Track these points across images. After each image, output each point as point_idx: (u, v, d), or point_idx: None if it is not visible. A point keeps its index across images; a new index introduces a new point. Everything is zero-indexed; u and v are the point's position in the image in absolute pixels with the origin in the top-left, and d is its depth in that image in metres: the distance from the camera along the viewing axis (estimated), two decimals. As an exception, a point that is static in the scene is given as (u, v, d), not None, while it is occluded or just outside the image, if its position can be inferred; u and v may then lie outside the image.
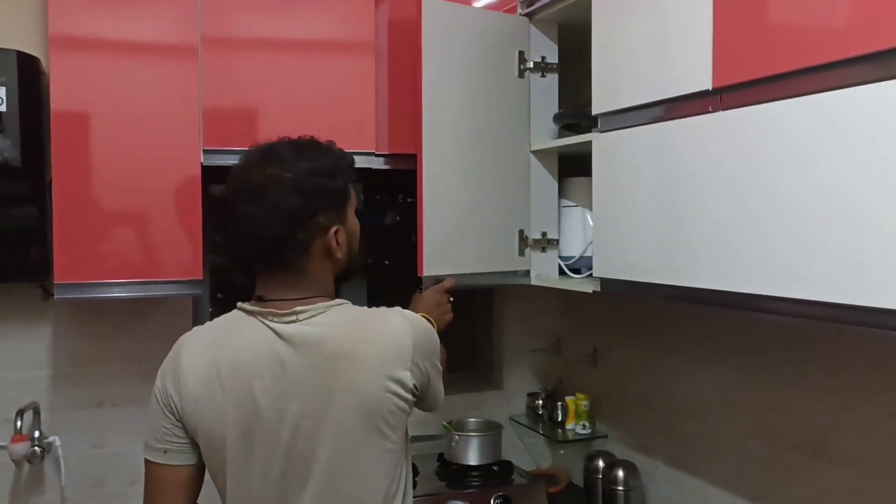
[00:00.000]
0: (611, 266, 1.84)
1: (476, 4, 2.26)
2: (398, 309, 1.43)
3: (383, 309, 1.42)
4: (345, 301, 1.40)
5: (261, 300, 1.39)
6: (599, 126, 1.87)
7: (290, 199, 1.32)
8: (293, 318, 1.34)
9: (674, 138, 1.61)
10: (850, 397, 1.68)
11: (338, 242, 1.39)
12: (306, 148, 1.39)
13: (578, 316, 2.66)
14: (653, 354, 2.29)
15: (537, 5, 2.17)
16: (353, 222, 1.46)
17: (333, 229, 1.38)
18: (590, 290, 1.92)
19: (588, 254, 2.17)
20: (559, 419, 2.58)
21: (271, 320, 1.35)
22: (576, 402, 2.54)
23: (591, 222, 2.22)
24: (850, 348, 1.68)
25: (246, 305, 1.39)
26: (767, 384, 1.88)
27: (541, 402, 2.68)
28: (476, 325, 2.87)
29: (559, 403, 2.59)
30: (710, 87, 1.50)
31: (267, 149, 1.40)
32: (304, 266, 1.37)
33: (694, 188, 1.55)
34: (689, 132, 1.56)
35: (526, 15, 2.21)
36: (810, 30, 1.32)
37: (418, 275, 1.97)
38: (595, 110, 1.86)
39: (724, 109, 1.49)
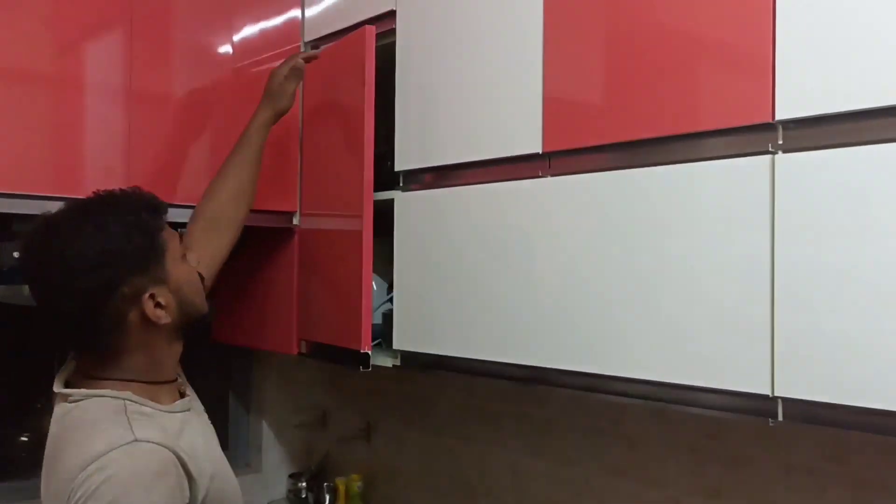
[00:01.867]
0: (414, 338, 1.67)
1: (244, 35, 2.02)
2: (123, 440, 1.10)
3: (106, 428, 1.12)
4: (122, 397, 1.18)
5: (77, 363, 1.25)
6: (402, 184, 1.71)
7: (80, 280, 1.13)
8: (63, 397, 1.19)
9: (496, 201, 1.50)
10: (652, 473, 1.66)
11: (160, 305, 1.21)
12: (91, 209, 1.19)
13: (348, 387, 2.45)
14: (436, 429, 2.15)
15: (323, 48, 1.99)
16: (179, 272, 1.25)
17: (147, 295, 1.19)
18: (389, 364, 1.73)
19: (375, 321, 1.99)
20: (327, 503, 2.33)
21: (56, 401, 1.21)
22: (347, 483, 2.31)
23: (375, 286, 2.06)
24: (651, 425, 1.66)
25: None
26: (566, 460, 1.82)
27: (304, 484, 2.41)
28: (230, 397, 2.54)
29: (326, 485, 2.34)
30: (540, 151, 1.42)
31: (47, 220, 1.18)
32: (120, 346, 1.20)
33: (518, 255, 1.45)
34: (514, 196, 1.46)
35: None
36: (645, 102, 1.28)
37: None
38: (398, 166, 1.71)
39: (553, 175, 1.41)
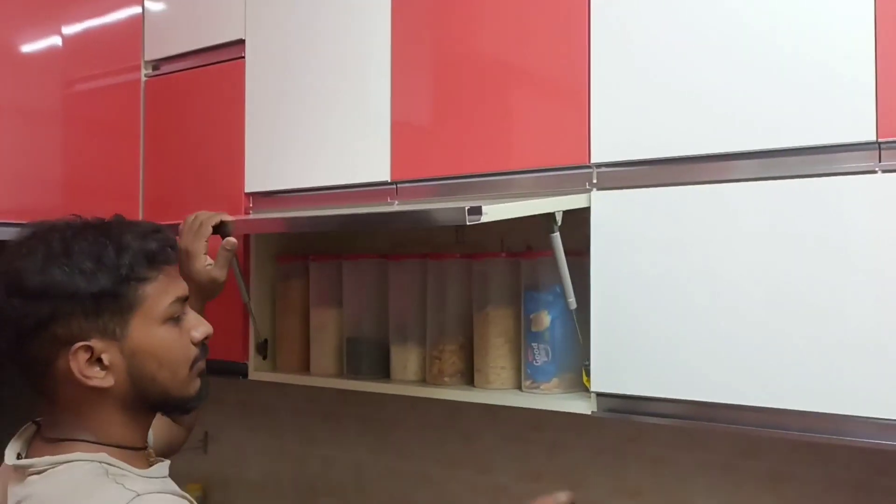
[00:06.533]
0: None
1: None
2: (122, 499, 0.95)
3: (91, 493, 0.97)
4: (97, 459, 1.00)
5: (37, 425, 1.08)
6: (252, 206, 1.81)
7: (13, 304, 0.99)
8: (21, 473, 1.01)
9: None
10: (484, 463, 1.86)
11: (101, 364, 1.01)
12: (70, 233, 1.02)
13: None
14: (278, 435, 2.24)
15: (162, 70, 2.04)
16: (148, 337, 1.03)
17: (76, 346, 0.99)
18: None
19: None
20: (164, 515, 2.35)
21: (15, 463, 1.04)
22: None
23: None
24: (483, 421, 1.86)
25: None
26: (405, 456, 1.99)
27: (138, 498, 2.41)
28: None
29: (162, 497, 2.36)
30: (388, 179, 1.58)
31: (23, 233, 1.05)
32: (53, 392, 1.03)
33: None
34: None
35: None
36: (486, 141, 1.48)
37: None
38: (248, 188, 1.81)
39: (402, 201, 1.58)
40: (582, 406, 1.35)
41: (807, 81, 1.14)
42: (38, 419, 1.09)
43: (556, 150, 1.38)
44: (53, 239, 1.02)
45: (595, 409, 1.34)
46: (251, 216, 1.76)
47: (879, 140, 1.08)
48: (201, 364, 1.11)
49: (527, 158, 1.42)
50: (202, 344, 1.10)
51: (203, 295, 1.40)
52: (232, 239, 1.42)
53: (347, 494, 2.09)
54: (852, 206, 1.10)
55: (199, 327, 1.10)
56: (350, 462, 2.09)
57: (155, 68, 2.05)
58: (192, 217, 1.46)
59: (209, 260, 1.41)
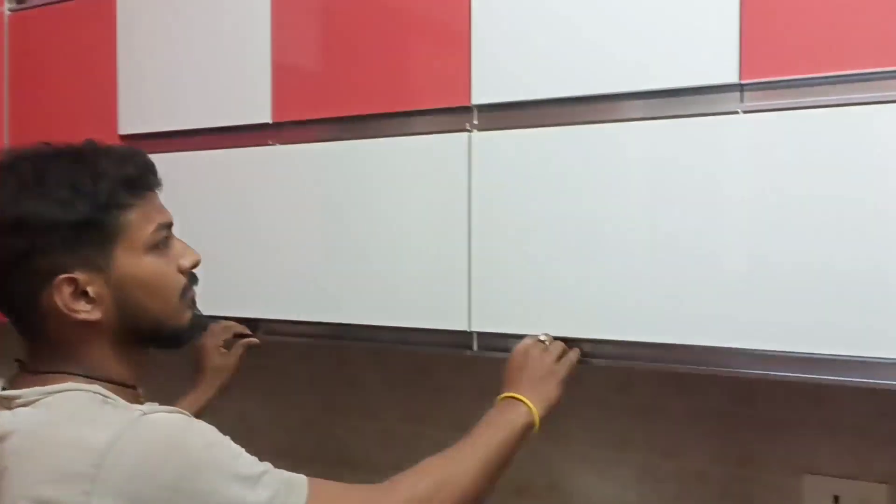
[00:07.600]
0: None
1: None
2: (127, 418, 0.91)
3: (95, 418, 0.92)
4: (92, 389, 0.95)
5: (20, 363, 1.02)
6: (127, 147, 1.74)
7: None
8: (7, 403, 0.96)
9: (227, 167, 1.59)
10: (370, 408, 1.88)
11: (88, 297, 0.97)
12: (41, 161, 0.97)
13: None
14: (157, 387, 2.18)
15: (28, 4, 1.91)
16: (134, 266, 0.99)
17: (59, 279, 0.95)
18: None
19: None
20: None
21: None
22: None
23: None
24: (369, 367, 1.87)
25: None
26: (291, 404, 1.98)
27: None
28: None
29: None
30: (270, 121, 1.54)
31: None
32: (39, 329, 0.99)
33: (246, 217, 1.57)
34: (244, 162, 1.57)
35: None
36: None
37: None
38: (122, 130, 1.73)
39: (283, 143, 1.54)
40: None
41: (677, 24, 1.17)
42: (19, 359, 1.03)
43: (438, 92, 1.38)
44: (25, 168, 0.96)
45: (476, 349, 1.36)
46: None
47: (742, 82, 1.12)
48: (191, 293, 1.08)
49: (411, 100, 1.41)
50: (191, 273, 1.08)
51: (214, 380, 1.49)
52: (255, 339, 1.54)
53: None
54: (720, 146, 1.14)
55: (186, 255, 1.06)
56: (236, 411, 2.05)
57: (20, 1, 1.92)
58: (219, 323, 1.54)
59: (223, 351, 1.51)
